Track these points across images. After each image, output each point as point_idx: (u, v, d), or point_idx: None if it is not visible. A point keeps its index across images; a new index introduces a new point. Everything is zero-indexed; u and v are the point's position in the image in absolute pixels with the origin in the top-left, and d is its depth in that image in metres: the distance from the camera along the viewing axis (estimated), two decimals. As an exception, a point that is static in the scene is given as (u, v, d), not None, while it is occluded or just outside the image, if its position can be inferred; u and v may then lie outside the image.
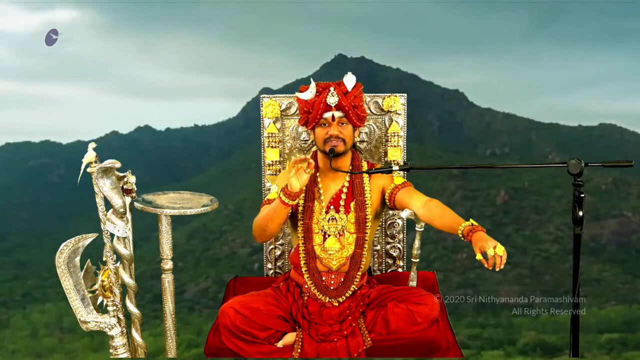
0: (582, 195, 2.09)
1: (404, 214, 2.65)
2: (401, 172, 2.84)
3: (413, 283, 2.90)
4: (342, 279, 2.66)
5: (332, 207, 2.67)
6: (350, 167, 2.70)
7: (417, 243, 2.89)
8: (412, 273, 2.92)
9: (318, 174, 2.71)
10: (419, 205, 2.58)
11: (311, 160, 2.42)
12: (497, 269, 2.22)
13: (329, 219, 2.66)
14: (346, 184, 2.69)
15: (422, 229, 2.86)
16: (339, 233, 2.66)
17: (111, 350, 2.75)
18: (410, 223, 3.10)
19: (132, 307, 2.77)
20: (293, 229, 2.74)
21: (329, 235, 2.66)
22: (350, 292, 2.65)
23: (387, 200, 2.66)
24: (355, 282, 2.66)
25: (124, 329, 2.75)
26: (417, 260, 2.91)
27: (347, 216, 2.66)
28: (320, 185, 2.69)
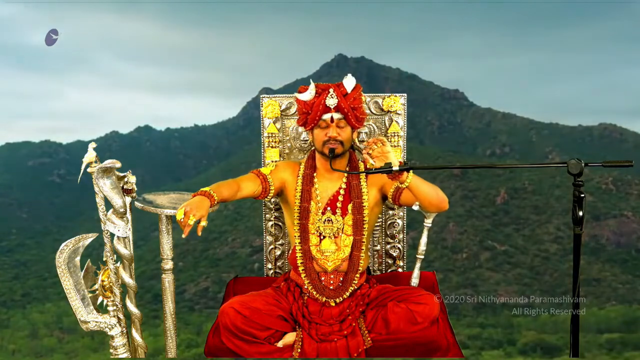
0: (582, 195, 2.09)
1: (416, 207, 2.64)
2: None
3: (415, 281, 2.89)
4: (341, 279, 2.66)
5: (328, 208, 2.67)
6: (348, 168, 2.70)
7: (423, 239, 2.88)
8: (415, 270, 2.89)
9: (315, 174, 2.71)
10: None
11: (203, 224, 2.34)
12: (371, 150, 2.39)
13: (325, 220, 2.66)
14: (343, 186, 2.69)
15: (430, 224, 2.86)
16: (334, 235, 2.66)
17: (111, 350, 2.75)
18: (410, 223, 3.10)
19: (132, 307, 2.77)
20: (290, 229, 2.74)
21: (324, 237, 2.66)
22: (348, 293, 2.65)
23: (390, 199, 2.65)
24: (354, 284, 2.66)
25: (124, 329, 2.75)
26: (422, 257, 2.90)
27: (343, 218, 2.66)
28: (317, 186, 2.69)
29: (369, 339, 2.55)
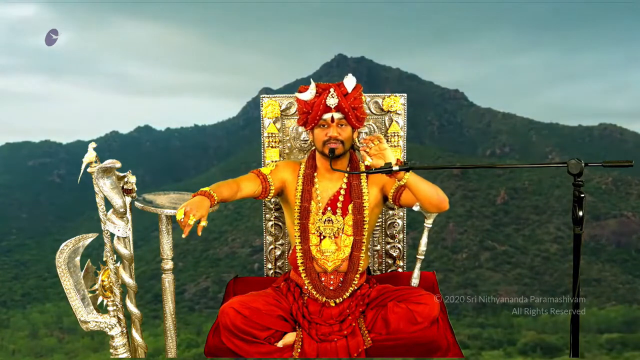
0: (582, 195, 2.09)
1: (416, 207, 2.63)
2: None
3: (415, 282, 2.89)
4: (341, 279, 2.66)
5: (329, 208, 2.67)
6: (348, 168, 2.70)
7: (424, 239, 2.89)
8: (415, 271, 2.90)
9: (315, 174, 2.71)
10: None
11: (203, 224, 2.33)
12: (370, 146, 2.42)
13: (325, 220, 2.66)
14: (344, 186, 2.69)
15: (430, 225, 2.86)
16: (334, 235, 2.66)
17: (111, 350, 2.75)
18: (410, 223, 3.10)
19: (132, 307, 2.77)
20: (290, 229, 2.74)
21: (324, 237, 2.66)
22: (348, 293, 2.65)
23: (390, 199, 2.65)
24: (354, 284, 2.66)
25: (124, 329, 2.75)
26: (422, 257, 2.90)
27: (344, 218, 2.66)
28: (317, 186, 2.69)
29: (369, 339, 2.54)
